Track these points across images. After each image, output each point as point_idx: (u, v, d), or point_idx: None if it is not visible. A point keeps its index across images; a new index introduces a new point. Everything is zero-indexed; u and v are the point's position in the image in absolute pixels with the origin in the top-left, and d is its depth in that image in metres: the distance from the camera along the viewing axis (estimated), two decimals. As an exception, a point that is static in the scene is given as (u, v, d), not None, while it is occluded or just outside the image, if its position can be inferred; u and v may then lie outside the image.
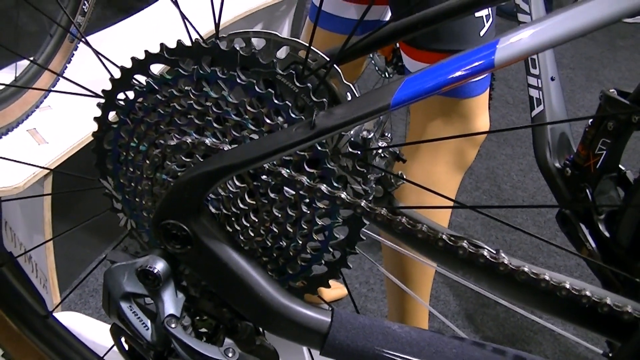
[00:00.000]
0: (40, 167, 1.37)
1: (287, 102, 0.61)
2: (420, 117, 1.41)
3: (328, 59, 0.67)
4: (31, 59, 1.59)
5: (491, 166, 2.71)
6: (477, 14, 1.26)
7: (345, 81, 0.69)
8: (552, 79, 1.42)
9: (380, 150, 0.70)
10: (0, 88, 1.54)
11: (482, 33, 1.27)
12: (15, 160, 1.36)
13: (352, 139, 0.66)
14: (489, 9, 1.28)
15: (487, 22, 1.27)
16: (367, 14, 1.43)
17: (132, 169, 0.71)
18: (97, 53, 0.71)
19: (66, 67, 1.67)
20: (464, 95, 1.33)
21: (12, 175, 1.38)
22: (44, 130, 1.55)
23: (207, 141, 0.63)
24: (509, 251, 2.24)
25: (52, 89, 1.62)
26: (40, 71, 1.60)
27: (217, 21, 0.65)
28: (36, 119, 1.59)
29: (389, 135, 0.71)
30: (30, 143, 1.51)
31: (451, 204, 1.43)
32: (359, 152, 0.62)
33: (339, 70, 0.68)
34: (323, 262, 0.68)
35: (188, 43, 0.64)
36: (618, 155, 1.16)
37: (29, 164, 1.30)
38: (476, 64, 0.48)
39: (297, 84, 0.61)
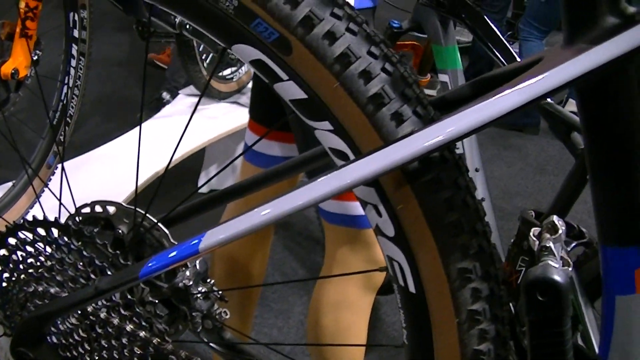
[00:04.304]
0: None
1: (104, 263, 0.84)
2: (331, 246, 1.58)
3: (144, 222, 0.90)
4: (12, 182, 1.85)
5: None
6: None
7: (172, 241, 0.91)
8: (477, 170, 1.60)
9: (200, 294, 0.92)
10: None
11: None
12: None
13: (179, 284, 0.88)
14: None
15: None
16: (286, 151, 1.66)
17: (9, 306, 0.93)
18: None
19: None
20: (364, 226, 1.52)
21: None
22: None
23: (52, 290, 0.86)
24: None
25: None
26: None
27: (60, 201, 0.89)
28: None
29: (211, 281, 0.93)
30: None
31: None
32: (157, 301, 0.84)
33: (166, 231, 0.91)
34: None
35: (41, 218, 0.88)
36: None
37: None
38: (187, 251, 0.70)
39: (110, 251, 0.83)
